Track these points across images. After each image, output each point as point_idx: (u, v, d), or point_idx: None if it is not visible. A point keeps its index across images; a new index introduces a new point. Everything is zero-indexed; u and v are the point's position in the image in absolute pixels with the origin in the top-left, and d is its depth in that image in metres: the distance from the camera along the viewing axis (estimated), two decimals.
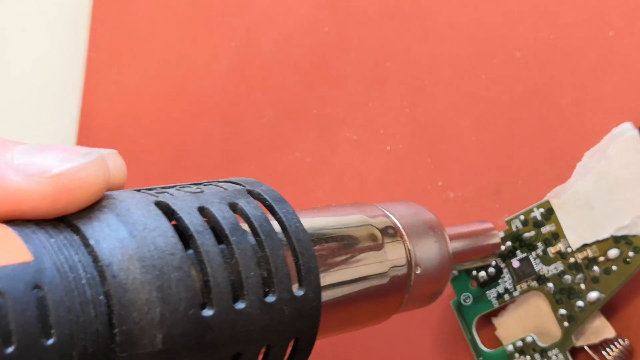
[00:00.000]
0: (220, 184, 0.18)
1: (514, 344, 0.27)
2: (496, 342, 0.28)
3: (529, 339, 0.27)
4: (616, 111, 0.27)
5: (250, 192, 0.17)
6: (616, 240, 0.26)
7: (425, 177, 0.30)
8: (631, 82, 0.27)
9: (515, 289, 0.27)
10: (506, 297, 0.28)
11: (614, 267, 0.26)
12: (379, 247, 0.20)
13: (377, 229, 0.20)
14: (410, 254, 0.21)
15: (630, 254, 0.26)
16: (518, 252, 0.27)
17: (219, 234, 0.16)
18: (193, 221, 0.15)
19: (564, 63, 0.28)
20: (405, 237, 0.21)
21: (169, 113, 0.35)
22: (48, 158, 0.15)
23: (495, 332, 0.28)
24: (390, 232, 0.21)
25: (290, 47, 0.33)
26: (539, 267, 0.27)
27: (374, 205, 0.22)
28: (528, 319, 0.27)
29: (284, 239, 0.17)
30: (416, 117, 0.30)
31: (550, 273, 0.27)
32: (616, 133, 0.26)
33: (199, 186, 0.17)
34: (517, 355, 0.27)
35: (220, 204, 0.16)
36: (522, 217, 0.27)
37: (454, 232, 0.24)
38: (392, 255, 0.20)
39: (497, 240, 0.26)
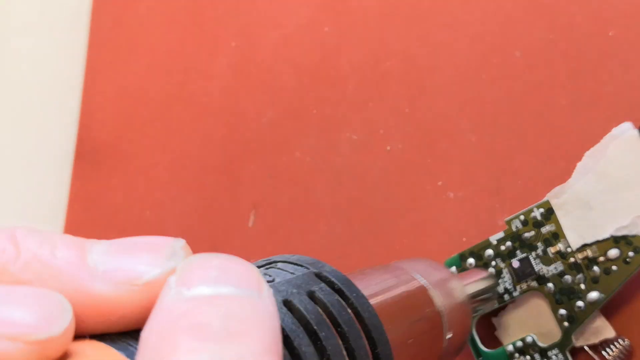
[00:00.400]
0: (279, 266, 0.17)
1: (513, 344, 0.27)
2: (496, 342, 0.28)
3: (528, 339, 0.27)
4: (616, 111, 0.27)
5: (319, 276, 0.17)
6: (616, 240, 0.26)
7: (425, 177, 0.30)
8: (631, 82, 0.27)
9: (515, 289, 0.27)
10: (506, 297, 0.28)
11: (614, 267, 0.26)
12: (427, 318, 0.20)
13: (422, 301, 0.21)
14: (443, 319, 0.21)
15: (630, 254, 0.26)
16: (518, 252, 0.27)
17: (306, 329, 0.15)
18: (284, 319, 0.15)
19: (563, 63, 0.28)
20: (441, 305, 0.21)
21: (169, 113, 0.35)
22: (135, 262, 0.13)
23: (495, 332, 0.28)
24: (427, 301, 0.21)
25: (290, 47, 0.33)
26: (538, 267, 0.27)
27: (402, 269, 0.22)
28: (528, 319, 0.27)
29: (359, 325, 0.17)
30: (416, 117, 0.30)
31: (550, 273, 0.27)
32: (616, 133, 0.26)
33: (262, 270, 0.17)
34: (517, 355, 0.27)
35: (300, 295, 0.16)
36: (522, 217, 0.27)
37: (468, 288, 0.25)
38: (437, 325, 0.21)
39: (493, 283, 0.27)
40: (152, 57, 0.36)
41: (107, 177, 0.36)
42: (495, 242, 0.28)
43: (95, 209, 0.36)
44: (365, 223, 0.31)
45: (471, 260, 0.28)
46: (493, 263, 0.28)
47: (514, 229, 0.27)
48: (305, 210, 0.32)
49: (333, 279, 0.17)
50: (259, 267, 0.17)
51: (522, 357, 0.27)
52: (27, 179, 0.38)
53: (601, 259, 0.26)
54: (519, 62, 0.29)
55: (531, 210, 0.27)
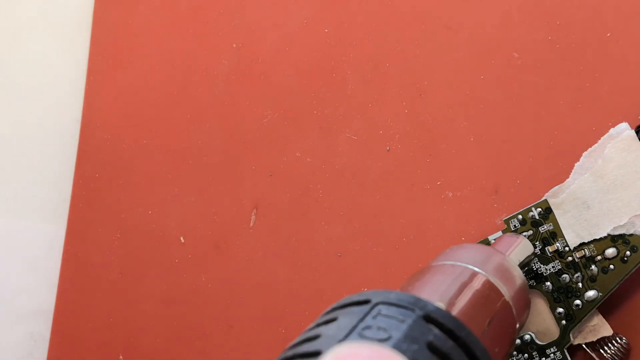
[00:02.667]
0: (383, 311, 0.17)
1: None
2: None
3: (527, 337, 0.27)
4: (613, 111, 0.27)
5: (427, 319, 0.17)
6: (613, 240, 0.26)
7: (424, 177, 0.30)
8: (628, 83, 0.27)
9: None
10: None
11: (612, 266, 0.26)
12: (500, 311, 0.21)
13: (493, 295, 0.21)
14: (512, 306, 0.22)
15: (628, 252, 0.26)
16: None
17: None
18: None
19: (561, 64, 0.28)
20: (506, 293, 0.22)
21: (170, 114, 0.35)
22: None
23: None
24: (497, 294, 0.21)
25: (290, 48, 0.33)
26: (536, 266, 0.27)
27: (459, 267, 0.22)
28: None
29: None
30: (415, 117, 0.31)
31: (548, 272, 0.27)
32: (613, 133, 0.26)
33: (356, 321, 0.17)
34: (515, 353, 0.27)
35: (422, 350, 0.16)
36: (520, 217, 0.28)
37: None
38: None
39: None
40: (153, 58, 0.36)
41: (109, 176, 0.36)
42: (494, 242, 0.28)
43: (97, 208, 0.36)
44: (365, 223, 0.31)
45: None
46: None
47: (512, 228, 0.28)
48: (305, 210, 0.32)
49: (442, 321, 0.17)
50: (363, 315, 0.17)
51: (520, 356, 0.27)
52: (30, 178, 0.38)
53: (599, 257, 0.26)
54: (517, 62, 0.29)
55: (529, 210, 0.27)
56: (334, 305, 0.19)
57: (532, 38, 0.29)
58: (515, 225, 0.28)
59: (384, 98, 0.31)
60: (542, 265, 0.27)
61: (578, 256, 0.27)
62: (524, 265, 0.25)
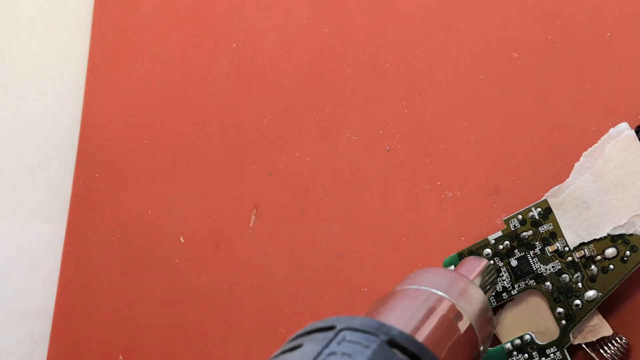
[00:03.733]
0: (347, 337, 0.17)
1: (512, 342, 0.27)
2: (495, 340, 0.28)
3: (527, 337, 0.27)
4: (613, 111, 0.27)
5: (392, 344, 0.18)
6: (613, 239, 0.26)
7: (424, 177, 0.30)
8: (628, 83, 0.27)
9: (513, 288, 0.28)
10: (504, 295, 0.28)
11: (612, 266, 0.26)
12: (463, 334, 0.21)
13: (455, 319, 0.21)
14: (475, 327, 0.22)
15: (627, 252, 0.26)
16: (516, 251, 0.28)
17: None
18: None
19: (561, 64, 0.28)
20: (469, 314, 0.22)
21: (170, 114, 0.35)
22: None
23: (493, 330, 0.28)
24: (459, 316, 0.21)
25: (290, 48, 0.33)
26: (536, 266, 0.27)
27: (423, 291, 0.22)
28: (526, 317, 0.28)
29: None
30: (415, 117, 0.31)
31: (548, 272, 0.27)
32: (613, 133, 0.26)
33: (320, 347, 0.17)
34: (515, 353, 0.27)
35: None
36: (520, 217, 0.28)
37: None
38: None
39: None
40: (153, 58, 0.36)
41: (109, 176, 0.36)
42: (493, 241, 0.28)
43: (97, 208, 0.36)
44: (365, 223, 0.31)
45: None
46: (491, 262, 0.28)
47: (512, 228, 0.28)
48: (305, 210, 0.32)
49: (405, 345, 0.18)
50: (328, 341, 0.17)
51: (520, 355, 0.27)
52: (30, 178, 0.38)
53: (599, 257, 0.26)
54: (517, 62, 0.29)
55: (529, 210, 0.27)
56: (299, 332, 0.19)
57: (532, 38, 0.29)
58: (515, 225, 0.28)
59: (384, 98, 0.31)
60: (542, 265, 0.27)
61: (578, 256, 0.27)
62: (487, 288, 0.26)
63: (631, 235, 0.26)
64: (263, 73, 0.34)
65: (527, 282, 0.27)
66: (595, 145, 0.27)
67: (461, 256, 0.28)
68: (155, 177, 0.35)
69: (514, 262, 0.27)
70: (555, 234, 0.27)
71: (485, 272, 0.25)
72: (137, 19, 0.37)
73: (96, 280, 0.36)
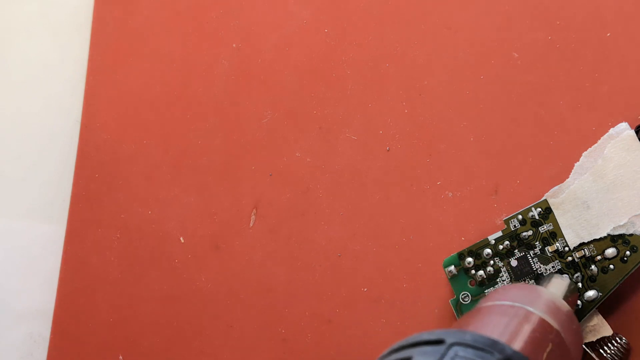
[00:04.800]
0: (460, 353, 0.17)
1: None
2: None
3: None
4: (613, 111, 0.27)
5: None
6: (613, 239, 0.26)
7: (424, 177, 0.30)
8: (628, 83, 0.27)
9: None
10: None
11: (611, 266, 0.26)
12: (556, 344, 0.21)
13: (547, 330, 0.21)
14: (565, 338, 0.22)
15: (628, 253, 0.26)
16: (516, 251, 0.28)
17: None
18: None
19: (561, 64, 0.28)
20: (558, 326, 0.22)
21: (170, 114, 0.35)
22: None
23: None
24: (550, 329, 0.21)
25: (290, 48, 0.33)
26: (536, 266, 0.27)
27: (513, 307, 0.22)
28: None
29: None
30: (415, 117, 0.31)
31: (548, 272, 0.27)
32: (613, 133, 0.26)
33: None
34: None
35: None
36: (520, 217, 0.28)
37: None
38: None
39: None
40: (153, 58, 0.36)
41: (109, 176, 0.36)
42: (493, 242, 0.28)
43: (97, 208, 0.36)
44: (365, 223, 0.31)
45: (470, 260, 0.28)
46: (491, 262, 0.28)
47: (512, 228, 0.28)
48: (305, 210, 0.32)
49: None
50: (440, 356, 0.17)
51: None
52: (30, 179, 0.38)
53: (598, 257, 0.26)
54: (517, 62, 0.29)
55: (529, 210, 0.27)
56: (402, 342, 0.18)
57: (532, 38, 0.29)
58: (515, 225, 0.28)
59: (384, 98, 0.31)
60: (542, 265, 0.27)
61: (578, 256, 0.27)
62: (567, 297, 0.26)
63: (631, 235, 0.26)
64: (263, 73, 0.34)
65: (527, 282, 0.27)
66: (595, 145, 0.27)
67: (461, 256, 0.28)
68: (155, 177, 0.35)
69: (514, 262, 0.28)
70: (555, 234, 0.27)
71: (568, 289, 0.25)
72: (137, 19, 0.37)
73: (96, 280, 0.36)
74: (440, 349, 0.17)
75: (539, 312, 0.22)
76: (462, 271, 0.28)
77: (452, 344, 0.17)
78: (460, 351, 0.17)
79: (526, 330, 0.20)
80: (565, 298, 0.25)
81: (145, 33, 0.36)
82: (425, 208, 0.30)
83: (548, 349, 0.20)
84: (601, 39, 0.28)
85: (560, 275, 0.26)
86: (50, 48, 0.39)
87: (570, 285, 0.26)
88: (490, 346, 0.17)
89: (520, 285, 0.24)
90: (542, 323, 0.21)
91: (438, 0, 0.31)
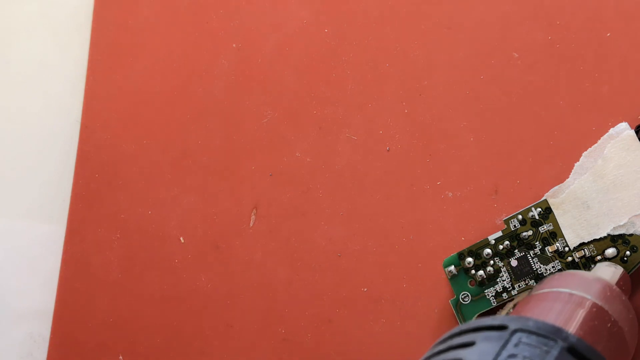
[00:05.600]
0: (523, 339, 0.17)
1: None
2: None
3: None
4: (613, 111, 0.27)
5: (570, 351, 0.17)
6: (613, 240, 0.26)
7: (424, 177, 0.30)
8: (628, 83, 0.27)
9: (513, 288, 0.28)
10: (504, 295, 0.28)
11: None
12: (613, 331, 0.21)
13: (604, 317, 0.21)
14: (623, 326, 0.22)
15: (628, 253, 0.26)
16: (516, 251, 0.28)
17: None
18: None
19: (561, 64, 0.28)
20: (613, 312, 0.22)
21: (170, 114, 0.35)
22: None
23: None
24: (606, 316, 0.21)
25: (290, 48, 0.33)
26: (537, 266, 0.27)
27: (569, 294, 0.22)
28: None
29: None
30: (415, 117, 0.31)
31: (549, 272, 0.27)
32: (613, 133, 0.26)
33: (498, 348, 0.16)
34: None
35: None
36: (520, 217, 0.28)
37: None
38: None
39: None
40: (153, 58, 0.36)
41: (109, 176, 0.36)
42: (493, 242, 0.28)
43: (97, 208, 0.36)
44: (365, 223, 0.31)
45: (470, 260, 0.28)
46: (491, 262, 0.28)
47: (512, 228, 0.28)
48: (305, 210, 0.32)
49: (585, 354, 0.17)
50: (504, 342, 0.16)
51: None
52: (30, 179, 0.38)
53: (599, 257, 0.26)
54: (517, 62, 0.29)
55: (529, 210, 0.27)
56: (463, 327, 0.18)
57: (532, 38, 0.29)
58: (515, 225, 0.28)
59: (384, 98, 0.31)
60: (542, 266, 0.27)
61: (578, 256, 0.27)
62: (622, 285, 0.25)
63: (631, 235, 0.26)
64: (263, 73, 0.34)
65: (527, 282, 0.27)
66: (595, 145, 0.27)
67: (461, 256, 0.28)
68: (156, 177, 0.35)
69: (514, 262, 0.28)
70: (555, 234, 0.27)
71: (621, 276, 0.25)
72: (137, 18, 0.37)
73: (96, 280, 0.36)
74: (503, 334, 0.17)
75: (597, 300, 0.21)
76: (462, 271, 0.28)
77: (516, 330, 0.17)
78: (524, 337, 0.17)
79: (586, 318, 0.20)
80: (619, 285, 0.25)
81: (145, 33, 0.36)
82: (425, 208, 0.30)
83: (606, 337, 0.20)
84: (601, 39, 0.28)
85: (611, 263, 0.26)
86: (50, 48, 0.39)
87: (622, 272, 0.26)
88: (553, 333, 0.17)
89: (575, 272, 0.24)
90: (601, 311, 0.21)
91: (438, 0, 0.31)
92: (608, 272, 0.25)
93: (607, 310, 0.21)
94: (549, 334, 0.17)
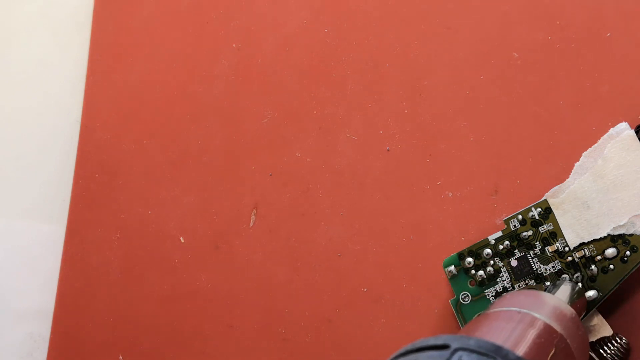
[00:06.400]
0: (464, 358, 0.17)
1: None
2: None
3: None
4: (613, 111, 0.27)
5: None
6: (613, 239, 0.26)
7: (424, 177, 0.30)
8: (628, 83, 0.27)
9: (513, 288, 0.28)
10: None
11: (612, 266, 0.26)
12: (560, 349, 0.21)
13: (552, 336, 0.21)
14: (570, 343, 0.22)
15: (628, 253, 0.26)
16: (516, 251, 0.28)
17: None
18: None
19: (561, 64, 0.28)
20: (562, 331, 0.22)
21: (171, 114, 0.35)
22: None
23: None
24: (554, 334, 0.22)
25: (290, 48, 0.33)
26: (536, 266, 0.27)
27: (518, 312, 0.22)
28: None
29: None
30: (415, 117, 0.31)
31: (548, 272, 0.27)
32: (613, 133, 0.26)
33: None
34: None
35: None
36: (520, 217, 0.28)
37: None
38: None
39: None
40: (154, 58, 0.36)
41: (109, 176, 0.36)
42: (493, 242, 0.28)
43: (97, 208, 0.36)
44: (365, 223, 0.31)
45: (470, 260, 0.28)
46: (491, 262, 0.28)
47: (512, 228, 0.28)
48: (305, 210, 0.32)
49: None
50: None
51: None
52: (30, 179, 0.38)
53: (599, 257, 0.26)
54: (517, 63, 0.29)
55: (529, 210, 0.27)
56: (408, 347, 0.19)
57: (532, 38, 0.29)
58: (515, 225, 0.28)
59: (384, 98, 0.31)
60: (542, 265, 0.27)
61: (578, 256, 0.27)
62: (573, 301, 0.26)
63: (631, 235, 0.26)
64: (263, 73, 0.34)
65: (527, 282, 0.27)
66: (595, 145, 0.27)
67: (461, 256, 0.28)
68: (156, 177, 0.35)
69: (514, 262, 0.28)
70: (555, 234, 0.27)
71: (576, 294, 0.26)
72: (137, 18, 0.37)
73: (96, 280, 0.36)
74: (445, 353, 0.18)
75: (544, 317, 0.22)
76: (462, 271, 0.28)
77: (457, 349, 0.18)
78: (465, 356, 0.17)
79: (531, 335, 0.21)
80: (572, 303, 0.25)
81: (145, 33, 0.36)
82: (425, 208, 0.30)
83: (551, 353, 0.20)
84: (601, 39, 0.28)
85: (568, 280, 0.27)
86: (50, 48, 0.39)
87: (577, 290, 0.26)
88: (493, 351, 0.18)
89: (527, 291, 0.25)
90: (547, 328, 0.21)
91: (438, 0, 0.31)
92: (562, 290, 0.26)
93: (553, 327, 0.21)
94: (489, 352, 0.18)
